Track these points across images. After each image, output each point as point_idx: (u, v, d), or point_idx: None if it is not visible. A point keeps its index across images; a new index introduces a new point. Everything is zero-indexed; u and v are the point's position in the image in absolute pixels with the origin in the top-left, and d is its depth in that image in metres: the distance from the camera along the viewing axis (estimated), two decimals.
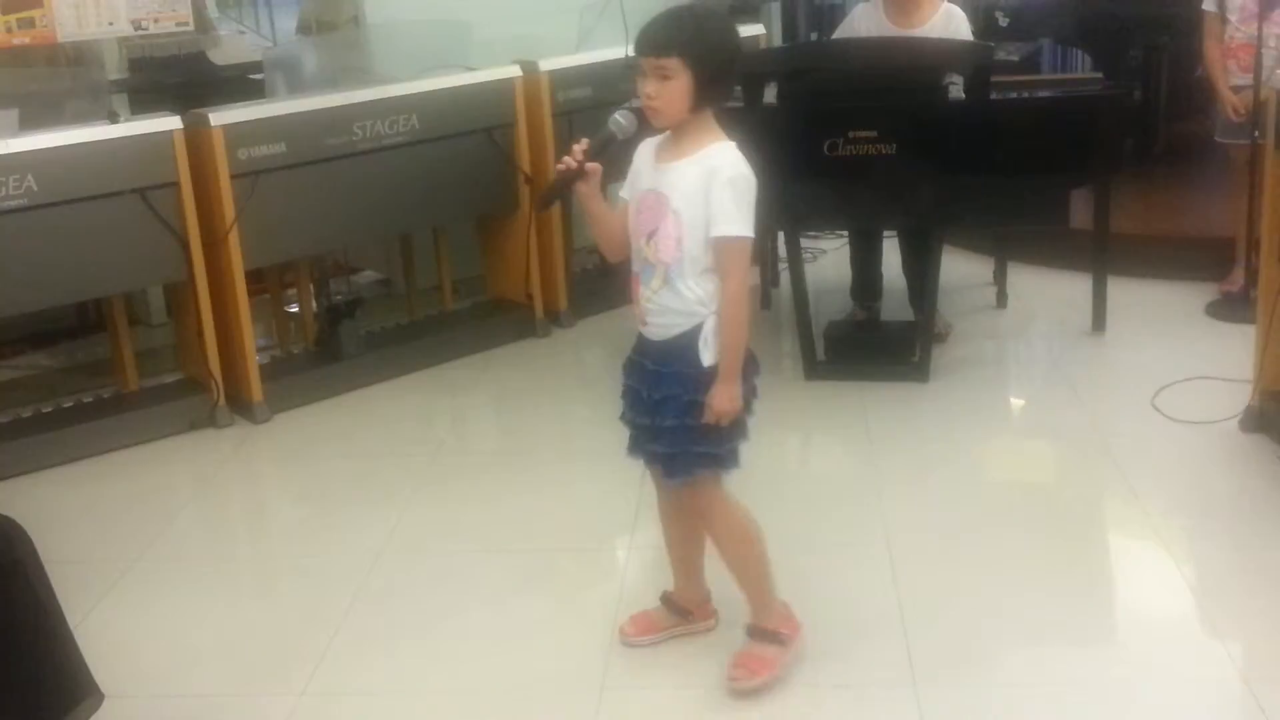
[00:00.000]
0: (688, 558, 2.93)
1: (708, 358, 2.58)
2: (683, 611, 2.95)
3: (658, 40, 2.51)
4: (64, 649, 2.44)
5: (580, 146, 2.58)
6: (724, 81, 2.59)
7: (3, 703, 2.33)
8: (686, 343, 2.59)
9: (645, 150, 2.68)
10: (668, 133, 2.62)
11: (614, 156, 2.65)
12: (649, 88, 2.52)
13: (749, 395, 2.65)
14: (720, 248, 2.54)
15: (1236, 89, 4.85)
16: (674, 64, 2.48)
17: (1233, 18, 4.87)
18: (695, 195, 2.54)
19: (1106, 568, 3.36)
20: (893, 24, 4.58)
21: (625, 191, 2.71)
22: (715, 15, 2.66)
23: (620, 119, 2.62)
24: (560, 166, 2.61)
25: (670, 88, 2.50)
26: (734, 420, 2.61)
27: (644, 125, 2.62)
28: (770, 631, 2.79)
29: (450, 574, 3.36)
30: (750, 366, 2.66)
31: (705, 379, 2.58)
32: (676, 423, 2.60)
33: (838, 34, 4.93)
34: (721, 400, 2.57)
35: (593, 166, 2.59)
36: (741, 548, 2.78)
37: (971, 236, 5.59)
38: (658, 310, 2.62)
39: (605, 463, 3.88)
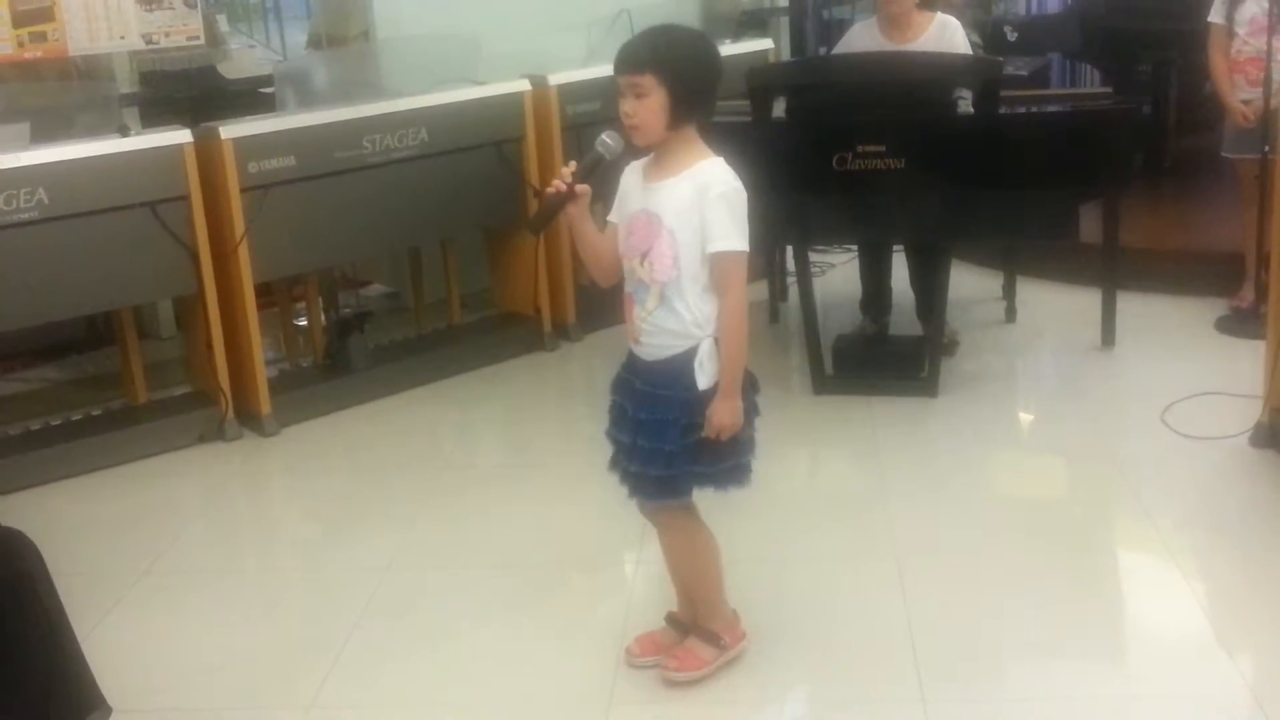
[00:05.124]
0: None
1: (703, 381, 2.59)
2: (688, 631, 2.94)
3: (630, 57, 2.55)
4: (72, 661, 2.45)
5: (569, 169, 2.60)
6: (702, 97, 2.59)
7: (12, 715, 2.33)
8: (680, 365, 2.60)
9: (632, 172, 2.69)
10: (653, 154, 2.63)
11: (603, 178, 2.66)
12: (626, 106, 2.56)
13: (750, 412, 2.65)
14: (718, 263, 2.56)
15: (1244, 103, 4.85)
16: (648, 80, 2.51)
17: (1241, 31, 4.86)
18: (688, 213, 2.55)
19: (1116, 584, 3.35)
20: (887, 40, 4.59)
21: (613, 215, 2.72)
22: (689, 31, 2.72)
23: (607, 139, 2.63)
24: (550, 190, 2.62)
25: (647, 105, 2.52)
26: (734, 438, 2.61)
27: (632, 146, 2.63)
28: (713, 633, 2.82)
29: (458, 588, 3.35)
30: (748, 383, 2.66)
31: (701, 402, 2.59)
32: (676, 446, 2.60)
33: (836, 52, 4.94)
34: (723, 415, 2.57)
35: (582, 188, 2.60)
36: (699, 561, 2.82)
37: (980, 251, 5.59)
38: (652, 330, 2.62)
39: (613, 476, 3.88)
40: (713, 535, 2.82)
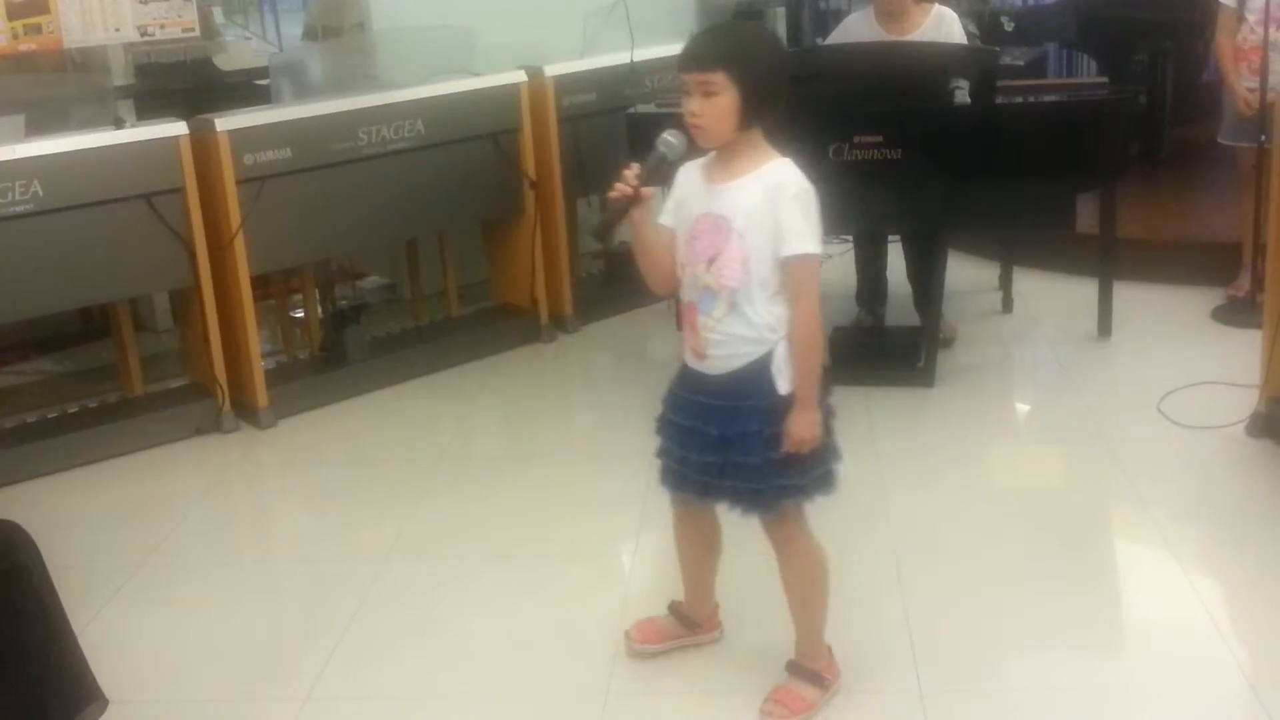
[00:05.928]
0: (703, 574, 2.88)
1: (783, 386, 2.47)
2: (690, 623, 2.92)
3: (701, 54, 2.41)
4: (69, 654, 2.45)
5: (632, 171, 2.47)
6: (773, 97, 2.47)
7: (8, 707, 2.33)
8: (757, 373, 2.48)
9: (691, 173, 2.56)
10: (712, 154, 2.51)
11: (665, 178, 2.55)
12: (693, 105, 2.42)
13: (827, 417, 2.54)
14: (791, 267, 2.44)
15: (1247, 91, 4.84)
16: (719, 79, 2.38)
17: (1250, 18, 4.83)
18: (760, 215, 2.43)
19: (1113, 574, 3.35)
20: (885, 32, 4.57)
21: (668, 218, 2.59)
22: (760, 29, 2.61)
23: (670, 139, 2.48)
24: (613, 194, 2.48)
25: (716, 104, 2.40)
26: (816, 447, 2.50)
27: (692, 146, 2.50)
28: (815, 673, 2.71)
29: (455, 579, 3.35)
30: (824, 387, 2.52)
31: (782, 408, 2.47)
32: (760, 459, 2.49)
33: (830, 41, 4.93)
34: (802, 428, 2.46)
35: (648, 191, 2.46)
36: (812, 585, 2.69)
37: (977, 241, 5.59)
38: (722, 340, 2.50)
39: (611, 467, 3.89)
40: (827, 566, 2.68)
